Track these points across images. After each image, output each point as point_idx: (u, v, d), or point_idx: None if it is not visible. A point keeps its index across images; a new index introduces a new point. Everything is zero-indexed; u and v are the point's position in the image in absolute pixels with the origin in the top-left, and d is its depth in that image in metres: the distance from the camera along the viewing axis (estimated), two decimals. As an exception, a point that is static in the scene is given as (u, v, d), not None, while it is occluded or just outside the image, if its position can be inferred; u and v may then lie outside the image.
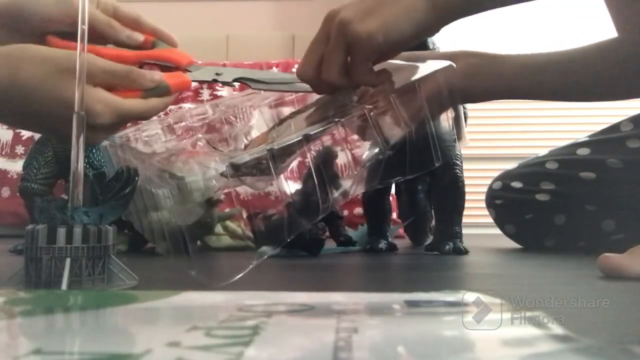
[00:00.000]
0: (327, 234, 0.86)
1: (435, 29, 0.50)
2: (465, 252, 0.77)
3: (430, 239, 0.90)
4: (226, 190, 0.45)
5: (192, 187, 0.46)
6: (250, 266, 0.43)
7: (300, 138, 0.45)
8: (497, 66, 0.66)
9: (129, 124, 0.57)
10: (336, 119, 0.47)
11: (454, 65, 0.54)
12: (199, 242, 0.91)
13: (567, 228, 0.92)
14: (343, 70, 0.49)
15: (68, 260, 0.37)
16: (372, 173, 0.51)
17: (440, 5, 0.48)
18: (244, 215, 0.75)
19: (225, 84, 0.55)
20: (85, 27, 0.41)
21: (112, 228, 0.42)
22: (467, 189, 0.83)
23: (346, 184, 0.51)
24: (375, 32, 0.46)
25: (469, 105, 0.79)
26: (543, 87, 0.70)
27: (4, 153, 1.60)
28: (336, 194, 0.50)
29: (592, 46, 0.69)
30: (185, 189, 0.45)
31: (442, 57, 0.63)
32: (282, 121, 0.61)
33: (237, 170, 0.42)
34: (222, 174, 0.43)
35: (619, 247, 0.51)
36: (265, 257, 0.44)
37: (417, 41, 0.50)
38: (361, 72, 0.48)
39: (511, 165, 1.05)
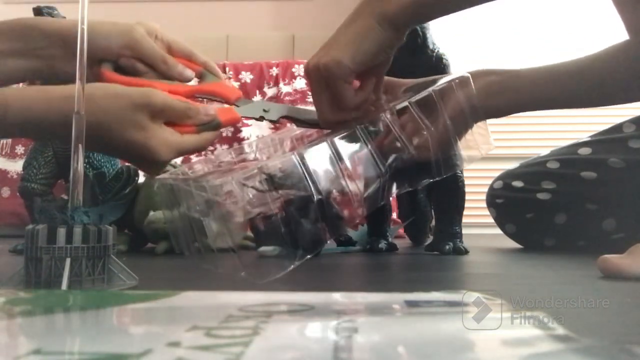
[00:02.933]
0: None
1: (397, 39, 0.51)
2: (465, 252, 0.77)
3: (430, 239, 0.90)
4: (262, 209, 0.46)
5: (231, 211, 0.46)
6: (292, 266, 0.44)
7: (325, 142, 0.46)
8: (516, 82, 0.68)
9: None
10: (357, 125, 0.48)
11: (469, 76, 0.55)
12: (196, 243, 0.92)
13: (567, 227, 0.93)
14: (334, 105, 0.51)
15: (68, 260, 0.37)
16: (398, 178, 0.52)
17: (393, 19, 0.49)
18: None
19: (271, 121, 0.56)
20: (85, 27, 0.41)
21: (112, 228, 0.42)
22: (467, 189, 0.83)
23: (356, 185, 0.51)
24: (340, 58, 0.49)
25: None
26: (563, 97, 0.71)
27: (4, 153, 1.60)
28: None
29: (603, 52, 0.70)
30: (225, 214, 0.46)
31: None
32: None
33: (272, 182, 0.43)
34: (256, 188, 0.43)
35: (619, 246, 0.51)
36: (307, 258, 0.45)
37: (386, 55, 0.51)
38: (347, 97, 0.50)
39: (512, 165, 1.05)
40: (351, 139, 0.48)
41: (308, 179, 0.44)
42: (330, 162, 0.46)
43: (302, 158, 0.43)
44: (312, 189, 0.44)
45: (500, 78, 0.67)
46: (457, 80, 0.54)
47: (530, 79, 0.69)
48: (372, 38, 0.49)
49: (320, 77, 0.50)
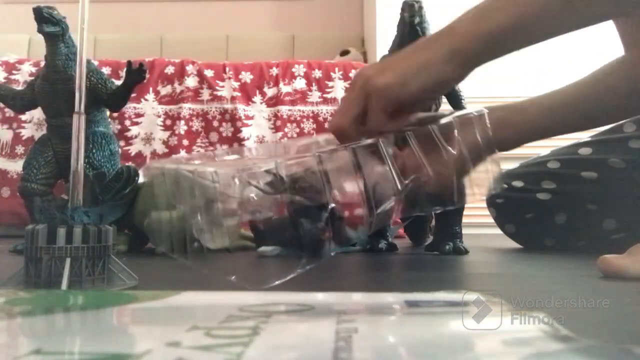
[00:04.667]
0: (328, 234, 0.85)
1: (457, 79, 0.50)
2: (465, 252, 0.77)
3: (430, 239, 0.90)
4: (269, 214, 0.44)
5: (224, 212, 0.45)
6: (293, 274, 0.43)
7: (346, 149, 0.45)
8: (521, 115, 0.69)
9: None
10: (380, 139, 0.48)
11: (486, 111, 0.56)
12: (195, 243, 0.91)
13: (567, 227, 0.92)
14: (357, 120, 0.50)
15: (68, 260, 0.37)
16: (410, 200, 0.52)
17: (461, 56, 0.48)
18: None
19: None
20: (85, 28, 0.41)
21: (112, 228, 0.42)
22: (467, 189, 0.83)
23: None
24: (392, 84, 0.48)
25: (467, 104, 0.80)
26: (566, 126, 0.72)
27: (4, 153, 1.60)
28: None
29: (600, 72, 0.71)
30: (217, 214, 0.45)
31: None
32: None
33: (285, 183, 0.42)
34: (265, 191, 0.42)
35: (619, 246, 0.51)
36: (309, 267, 0.44)
37: (440, 93, 0.51)
38: (377, 120, 0.49)
39: (512, 165, 1.05)
40: (371, 151, 0.47)
41: (325, 184, 0.43)
42: (348, 170, 0.45)
43: (320, 161, 0.42)
44: (328, 195, 0.43)
45: (506, 113, 0.68)
46: (474, 114, 0.55)
47: (533, 112, 0.70)
48: (434, 73, 0.48)
49: (365, 91, 0.49)
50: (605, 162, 0.87)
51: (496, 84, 1.65)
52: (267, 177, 0.43)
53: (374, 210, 0.47)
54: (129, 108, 1.66)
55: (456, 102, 0.81)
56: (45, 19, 0.82)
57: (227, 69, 1.74)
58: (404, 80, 0.48)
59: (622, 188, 0.85)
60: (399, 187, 0.47)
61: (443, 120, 0.52)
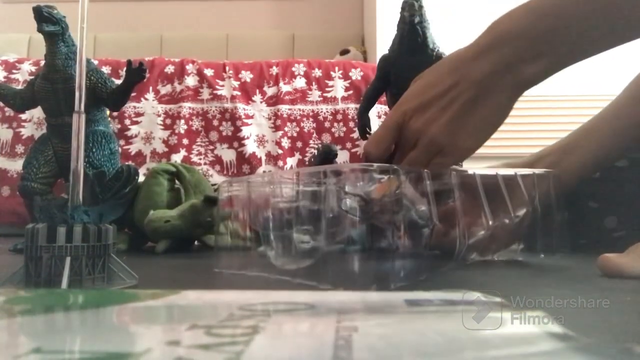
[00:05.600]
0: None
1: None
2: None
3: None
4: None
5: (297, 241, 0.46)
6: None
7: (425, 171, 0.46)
8: (574, 155, 0.73)
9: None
10: (474, 172, 0.50)
11: (553, 173, 0.58)
12: (196, 242, 0.92)
13: (568, 225, 0.92)
14: (395, 156, 0.50)
15: (68, 259, 0.37)
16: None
17: (528, 86, 0.48)
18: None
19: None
20: (85, 27, 0.41)
21: (112, 227, 0.42)
22: (467, 189, 0.83)
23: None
24: (474, 147, 0.47)
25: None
26: (612, 154, 0.76)
27: (4, 152, 1.60)
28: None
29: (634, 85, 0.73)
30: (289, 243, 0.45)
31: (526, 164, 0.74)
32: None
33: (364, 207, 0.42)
34: (345, 209, 0.42)
35: (620, 245, 0.51)
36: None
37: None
38: (438, 169, 0.49)
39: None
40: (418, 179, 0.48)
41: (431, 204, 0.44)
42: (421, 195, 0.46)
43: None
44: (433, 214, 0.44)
45: (556, 158, 0.72)
46: (539, 173, 0.57)
47: (586, 147, 0.73)
48: (502, 114, 0.48)
49: (431, 152, 0.47)
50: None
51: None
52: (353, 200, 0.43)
53: (467, 239, 0.49)
54: (129, 107, 1.66)
55: None
56: (45, 18, 0.82)
57: (227, 68, 1.74)
58: (482, 137, 0.47)
59: (625, 187, 0.85)
60: (434, 219, 0.48)
61: (505, 172, 0.54)
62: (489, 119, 0.47)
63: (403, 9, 0.74)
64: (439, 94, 0.48)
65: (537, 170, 0.57)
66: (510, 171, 0.56)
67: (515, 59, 0.47)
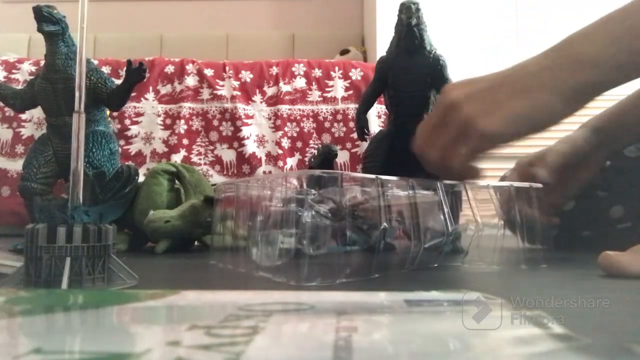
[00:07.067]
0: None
1: (566, 117, 0.48)
2: (462, 251, 0.77)
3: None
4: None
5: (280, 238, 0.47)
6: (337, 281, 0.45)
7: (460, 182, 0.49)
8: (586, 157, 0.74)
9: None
10: (492, 184, 0.52)
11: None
12: (196, 243, 0.92)
13: (574, 214, 0.92)
14: (442, 154, 0.49)
15: (68, 260, 0.37)
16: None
17: (588, 91, 0.46)
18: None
19: None
20: (85, 27, 0.41)
21: (112, 227, 0.42)
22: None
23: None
24: (503, 132, 0.45)
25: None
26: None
27: (4, 152, 1.60)
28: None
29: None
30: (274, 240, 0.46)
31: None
32: None
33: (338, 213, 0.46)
34: (324, 215, 0.45)
35: (624, 237, 0.51)
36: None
37: (542, 133, 0.48)
38: (466, 160, 0.48)
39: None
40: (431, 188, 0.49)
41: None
42: (435, 206, 0.48)
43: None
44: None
45: (563, 160, 0.74)
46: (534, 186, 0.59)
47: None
48: (544, 112, 0.45)
49: (462, 130, 0.46)
50: (620, 151, 0.87)
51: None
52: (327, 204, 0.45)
53: (422, 243, 0.50)
54: (129, 107, 1.66)
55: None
56: (45, 18, 0.82)
57: (227, 68, 1.74)
58: (517, 127, 0.45)
59: (634, 177, 0.85)
60: (449, 230, 0.51)
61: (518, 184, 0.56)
62: (529, 112, 0.45)
63: (400, 11, 0.74)
64: (490, 79, 0.47)
65: (515, 184, 0.58)
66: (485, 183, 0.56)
67: (573, 51, 0.46)
